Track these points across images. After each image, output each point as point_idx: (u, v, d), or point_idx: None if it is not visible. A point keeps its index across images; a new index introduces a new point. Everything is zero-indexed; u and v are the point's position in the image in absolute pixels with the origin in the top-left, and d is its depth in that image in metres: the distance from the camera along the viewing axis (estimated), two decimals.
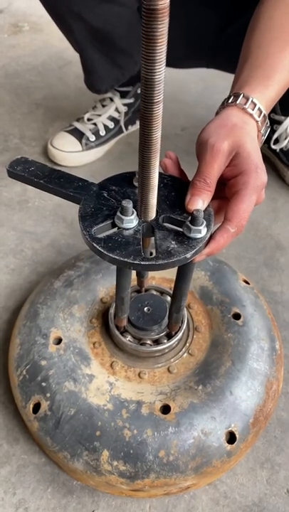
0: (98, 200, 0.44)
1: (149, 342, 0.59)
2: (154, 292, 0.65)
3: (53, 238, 0.91)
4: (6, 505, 0.56)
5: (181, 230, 0.41)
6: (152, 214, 0.42)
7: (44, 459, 0.60)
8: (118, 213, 0.41)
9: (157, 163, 0.37)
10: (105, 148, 1.12)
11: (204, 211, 0.42)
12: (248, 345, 0.60)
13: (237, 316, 0.63)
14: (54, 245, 0.89)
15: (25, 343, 0.61)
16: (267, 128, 0.50)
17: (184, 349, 0.61)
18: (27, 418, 0.56)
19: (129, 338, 0.60)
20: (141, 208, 0.41)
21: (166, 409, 0.54)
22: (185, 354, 0.61)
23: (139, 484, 0.51)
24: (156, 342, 0.60)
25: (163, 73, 0.30)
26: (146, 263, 0.39)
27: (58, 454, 0.53)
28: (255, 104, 0.48)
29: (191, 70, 1.12)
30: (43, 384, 0.56)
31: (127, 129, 1.15)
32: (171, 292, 0.56)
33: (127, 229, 0.41)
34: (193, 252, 0.40)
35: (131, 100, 1.13)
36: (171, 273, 0.52)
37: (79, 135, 1.08)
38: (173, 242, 0.40)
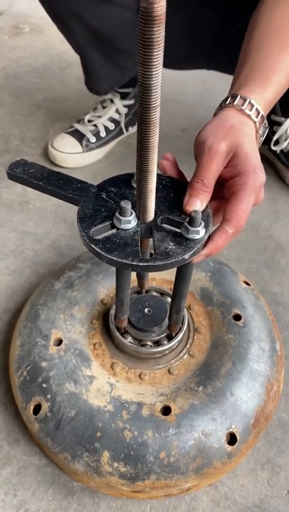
0: (97, 201, 0.44)
1: (149, 343, 0.59)
2: (155, 293, 0.65)
3: (54, 239, 0.91)
4: (7, 507, 0.56)
5: (179, 231, 0.41)
6: (151, 215, 0.42)
7: (45, 460, 0.60)
8: (116, 214, 0.41)
9: (155, 166, 0.37)
10: (106, 150, 1.12)
11: (202, 212, 0.43)
12: (249, 346, 0.60)
13: (237, 317, 0.63)
14: (55, 246, 0.90)
15: (25, 345, 0.61)
16: (265, 129, 0.50)
17: (184, 350, 0.61)
18: (27, 419, 0.56)
19: (129, 339, 0.60)
20: (139, 209, 0.41)
21: (166, 410, 0.54)
22: (185, 355, 0.61)
23: (139, 486, 0.51)
24: (157, 343, 0.60)
25: (160, 78, 0.30)
26: (144, 264, 0.39)
27: (59, 455, 0.53)
28: (252, 105, 0.48)
29: (191, 71, 1.12)
30: (44, 385, 0.56)
31: (127, 130, 1.15)
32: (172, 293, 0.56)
33: (126, 230, 0.41)
34: (191, 253, 0.40)
35: (131, 101, 1.13)
36: (172, 274, 0.52)
37: (79, 136, 1.08)
38: (171, 244, 0.40)
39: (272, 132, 1.04)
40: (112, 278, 0.67)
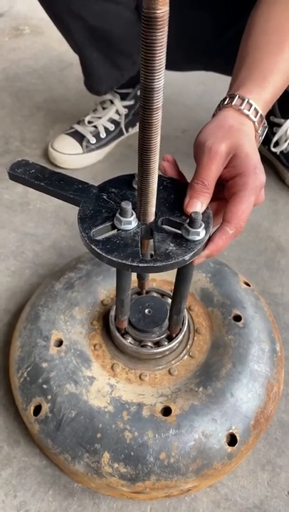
0: (97, 202, 0.44)
1: (149, 344, 0.59)
2: (155, 294, 0.65)
3: (54, 240, 0.91)
4: (7, 508, 0.56)
5: (179, 232, 0.41)
6: (151, 216, 0.42)
7: (45, 461, 0.60)
8: (117, 215, 0.41)
9: (156, 167, 0.37)
10: (106, 151, 1.12)
11: (203, 213, 0.43)
12: (249, 347, 0.60)
13: (238, 318, 0.63)
14: (55, 247, 0.90)
15: (26, 346, 0.61)
16: (264, 128, 0.50)
17: (184, 351, 0.61)
18: (28, 420, 0.56)
19: (130, 340, 0.60)
20: (140, 210, 0.41)
21: (167, 411, 0.54)
22: (186, 356, 0.61)
23: (139, 486, 0.51)
24: (157, 344, 0.60)
25: (162, 80, 0.30)
26: (144, 265, 0.39)
27: (59, 456, 0.53)
28: (251, 105, 0.48)
29: (191, 72, 1.12)
30: (44, 386, 0.56)
31: (127, 131, 1.16)
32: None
33: (126, 231, 0.41)
34: (191, 254, 0.40)
35: (131, 102, 1.13)
36: (172, 275, 0.52)
37: (80, 137, 1.08)
38: (171, 245, 0.40)
39: (272, 133, 1.05)
40: (113, 279, 0.67)
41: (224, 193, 0.46)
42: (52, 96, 1.35)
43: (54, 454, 0.54)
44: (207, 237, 0.41)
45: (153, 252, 0.41)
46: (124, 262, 0.39)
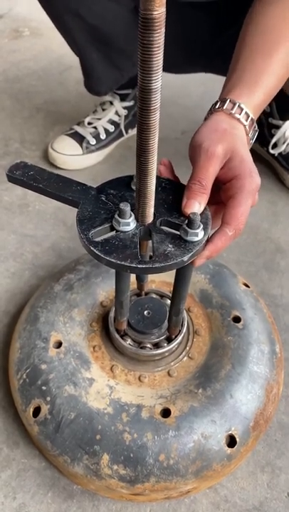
0: (96, 203, 0.44)
1: (149, 345, 0.59)
2: (154, 296, 0.65)
3: (54, 242, 0.91)
4: (6, 510, 0.56)
5: (178, 233, 0.41)
6: (150, 217, 0.42)
7: (44, 463, 0.60)
8: (116, 216, 0.41)
9: (155, 168, 0.37)
10: (106, 152, 1.13)
11: (202, 214, 0.43)
12: (248, 348, 0.60)
13: (237, 319, 0.63)
14: (54, 249, 0.90)
15: (25, 347, 0.61)
16: (255, 132, 0.51)
17: (184, 352, 0.61)
18: (27, 422, 0.56)
19: (129, 341, 0.60)
20: (138, 212, 0.41)
21: (166, 412, 0.54)
22: (185, 357, 0.60)
23: (139, 488, 0.51)
24: (156, 345, 0.60)
25: (160, 81, 0.30)
26: (143, 266, 0.39)
27: (58, 458, 0.53)
28: (242, 109, 0.49)
29: (191, 74, 1.12)
30: (43, 388, 0.56)
31: (127, 132, 1.16)
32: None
33: (125, 232, 0.41)
34: (190, 255, 0.40)
35: (131, 103, 1.13)
36: (171, 276, 0.52)
37: (79, 139, 1.08)
38: (170, 246, 0.40)
39: (270, 135, 1.05)
40: (112, 280, 0.67)
41: (220, 195, 0.46)
42: (52, 98, 1.35)
43: (53, 456, 0.54)
44: (206, 238, 0.42)
45: (152, 253, 0.41)
46: (122, 263, 0.39)
